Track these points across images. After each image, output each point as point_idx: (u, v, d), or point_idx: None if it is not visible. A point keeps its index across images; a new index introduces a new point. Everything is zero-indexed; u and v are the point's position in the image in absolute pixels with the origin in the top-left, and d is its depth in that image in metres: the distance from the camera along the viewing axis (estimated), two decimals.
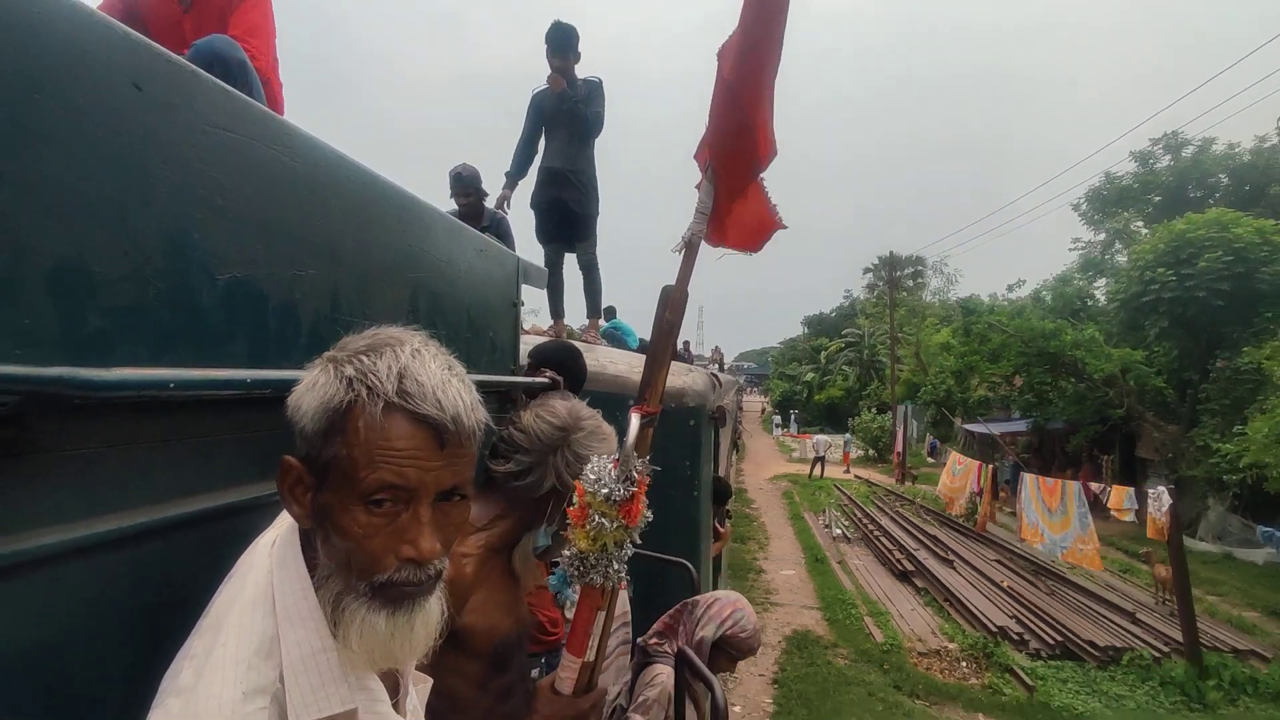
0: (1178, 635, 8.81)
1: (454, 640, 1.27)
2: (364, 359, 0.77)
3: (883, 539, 14.37)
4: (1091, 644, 9.00)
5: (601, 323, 5.83)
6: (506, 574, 1.49)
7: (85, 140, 0.75)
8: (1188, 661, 8.25)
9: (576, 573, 1.28)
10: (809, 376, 44.78)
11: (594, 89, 4.80)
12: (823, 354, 43.86)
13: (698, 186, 1.39)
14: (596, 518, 1.23)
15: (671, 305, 1.36)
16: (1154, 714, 7.47)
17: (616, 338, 8.69)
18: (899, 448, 24.24)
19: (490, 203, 4.96)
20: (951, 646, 8.98)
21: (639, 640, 2.25)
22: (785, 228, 1.46)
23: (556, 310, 5.22)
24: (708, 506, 4.48)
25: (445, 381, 0.79)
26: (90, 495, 0.77)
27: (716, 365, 20.11)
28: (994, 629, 9.41)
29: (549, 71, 4.66)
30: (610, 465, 1.27)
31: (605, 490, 1.22)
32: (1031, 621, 9.78)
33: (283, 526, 0.85)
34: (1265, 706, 7.63)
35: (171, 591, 0.87)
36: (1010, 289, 22.91)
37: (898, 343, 26.70)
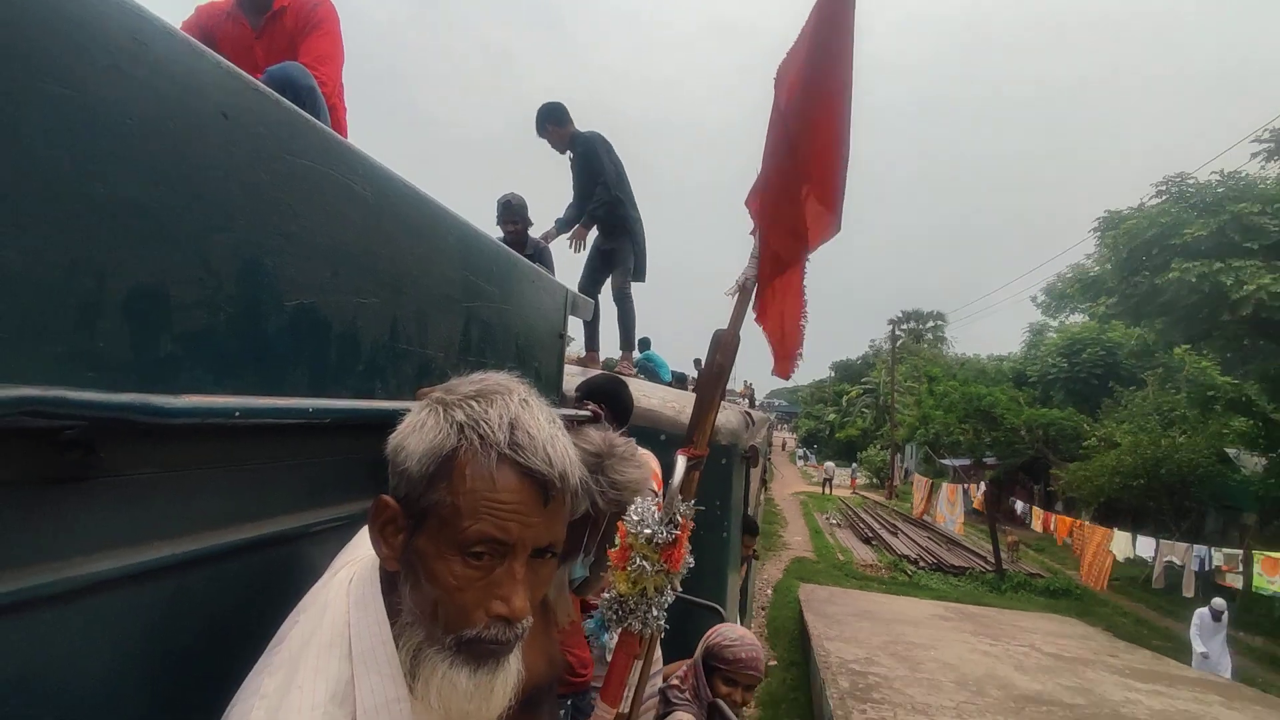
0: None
1: None
2: (474, 405, 0.76)
3: (860, 524, 22.70)
4: (952, 566, 16.90)
5: (635, 354, 5.85)
6: (542, 611, 1.46)
7: (169, 165, 0.75)
8: (996, 574, 15.78)
9: (615, 617, 1.24)
10: (831, 417, 51.90)
11: (587, 146, 5.02)
12: (844, 398, 50.38)
13: (752, 233, 1.38)
14: (638, 560, 1.20)
15: (722, 348, 1.33)
16: (972, 592, 14.33)
17: (649, 370, 8.67)
18: (892, 475, 34.48)
19: (534, 232, 5.09)
20: (879, 563, 16.97)
21: (661, 686, 2.19)
22: (800, 356, 1.45)
23: (592, 344, 5.29)
24: (737, 548, 4.39)
25: (553, 436, 0.78)
26: (150, 520, 0.76)
27: (747, 401, 20.14)
28: (900, 555, 17.70)
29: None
30: (654, 507, 1.24)
31: (648, 532, 1.19)
32: (924, 555, 17.81)
33: (361, 564, 0.83)
34: (1025, 593, 14.80)
35: (227, 618, 0.86)
36: (1000, 360, 30.80)
37: (902, 393, 33.66)
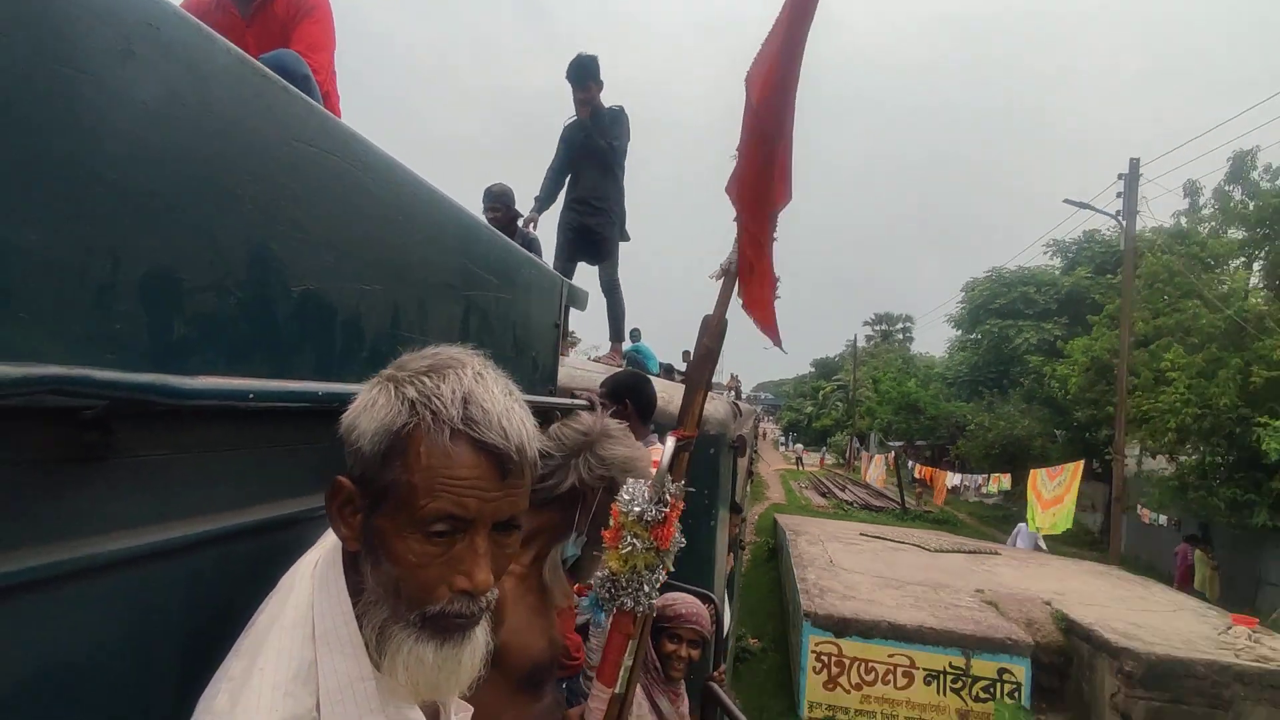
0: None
1: (490, 659, 1.26)
2: (426, 380, 0.74)
3: (820, 485, 30.90)
4: (874, 506, 23.66)
5: (625, 345, 5.86)
6: (540, 591, 1.48)
7: (182, 149, 0.76)
8: (901, 510, 21.70)
9: (608, 595, 1.26)
10: (809, 409, 60.42)
11: (616, 116, 4.98)
12: (820, 393, 58.39)
13: (735, 220, 1.39)
14: (629, 538, 1.22)
15: (710, 332, 1.35)
16: (881, 519, 19.03)
17: (638, 361, 8.67)
18: (849, 454, 44.49)
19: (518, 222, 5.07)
20: (828, 504, 24.03)
21: None
22: (780, 347, 1.48)
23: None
24: (724, 536, 4.43)
25: (509, 409, 0.76)
26: (163, 501, 0.77)
27: (733, 393, 20.37)
28: (845, 501, 24.96)
29: (575, 104, 4.88)
30: (644, 487, 1.26)
31: (638, 509, 1.21)
32: (857, 500, 25.30)
33: (325, 546, 0.83)
34: (918, 521, 19.22)
35: (237, 599, 0.87)
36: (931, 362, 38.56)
37: (869, 388, 40.05)
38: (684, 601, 2.26)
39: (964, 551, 10.82)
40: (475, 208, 4.92)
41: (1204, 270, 14.35)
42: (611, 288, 5.30)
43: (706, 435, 3.71)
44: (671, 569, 1.32)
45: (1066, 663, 6.83)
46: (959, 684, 6.26)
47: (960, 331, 30.20)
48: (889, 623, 6.46)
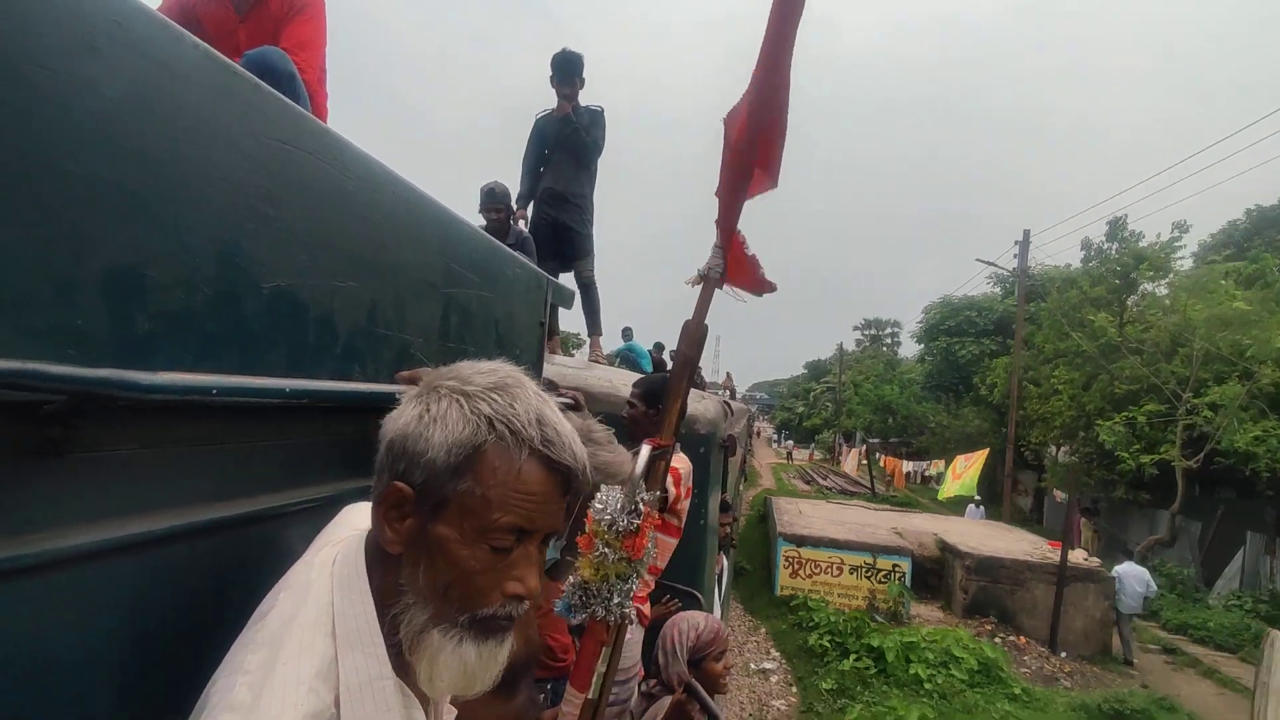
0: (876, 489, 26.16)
1: None
2: (498, 399, 0.77)
3: (806, 475, 34.83)
4: (850, 491, 27.64)
5: (603, 340, 5.87)
6: None
7: (149, 145, 0.76)
8: (870, 494, 26.20)
9: (579, 602, 1.26)
10: (800, 409, 66.52)
11: (595, 116, 4.99)
12: (811, 394, 63.61)
13: (717, 222, 1.40)
14: (601, 546, 1.22)
15: (688, 339, 1.35)
16: (854, 501, 21.02)
17: (631, 360, 8.68)
18: (834, 450, 47.86)
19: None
20: (810, 490, 27.95)
21: (643, 688, 2.22)
22: (775, 289, 1.47)
23: (552, 327, 5.31)
24: (714, 535, 4.44)
25: (572, 431, 0.81)
26: (126, 496, 0.78)
27: (727, 393, 20.49)
28: (825, 486, 29.36)
29: (556, 96, 4.86)
30: (618, 495, 1.25)
31: (608, 518, 1.20)
32: (835, 487, 29.61)
33: (344, 544, 0.84)
34: (886, 503, 21.39)
35: (203, 596, 0.87)
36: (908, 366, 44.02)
37: (852, 390, 45.46)
38: (706, 623, 2.26)
39: (894, 510, 17.15)
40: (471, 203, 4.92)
41: (1087, 306, 18.71)
42: (588, 284, 5.32)
43: (697, 434, 3.72)
44: (645, 578, 1.32)
45: (940, 566, 12.08)
46: (869, 574, 10.93)
47: (922, 346, 35.81)
48: (830, 539, 11.29)
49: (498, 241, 1.74)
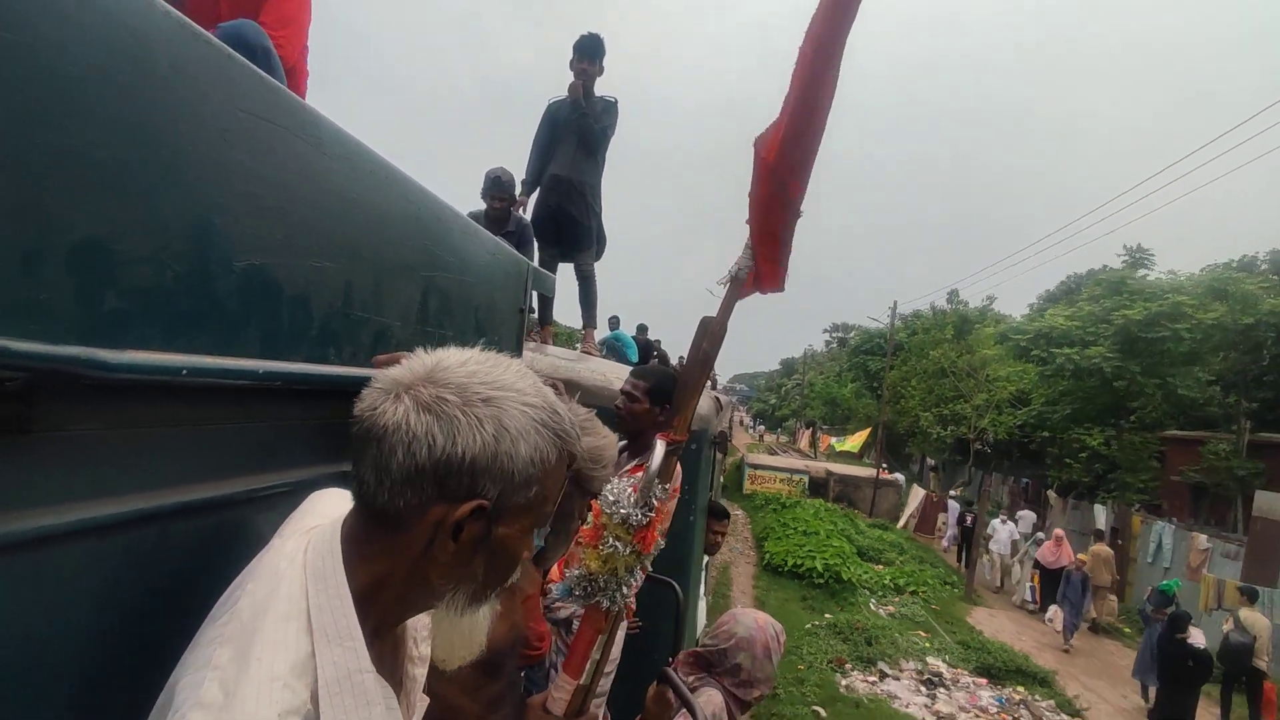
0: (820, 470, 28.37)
1: None
2: (559, 411, 0.84)
3: (770, 449, 43.98)
4: (815, 478, 26.43)
5: (596, 332, 5.82)
6: None
7: (119, 116, 0.74)
8: (811, 455, 41.48)
9: (583, 593, 1.25)
10: (772, 401, 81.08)
11: (609, 106, 4.86)
12: (782, 389, 76.85)
13: (748, 222, 1.38)
14: (611, 540, 1.21)
15: (710, 337, 1.34)
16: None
17: (617, 349, 8.66)
18: (796, 434, 59.15)
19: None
20: (779, 461, 29.33)
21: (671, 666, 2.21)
22: (781, 290, 1.48)
23: (545, 317, 5.24)
24: (701, 529, 4.46)
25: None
26: (92, 477, 0.76)
27: (710, 384, 21.02)
28: (788, 470, 26.26)
29: (571, 77, 4.71)
30: (629, 488, 1.25)
31: (623, 513, 1.20)
32: (789, 453, 41.27)
33: (315, 534, 0.82)
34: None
35: (167, 580, 0.86)
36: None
37: (810, 386, 56.86)
38: (756, 662, 2.14)
39: (811, 460, 30.54)
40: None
41: (932, 345, 27.96)
42: (587, 276, 5.24)
43: (690, 431, 3.71)
44: (650, 570, 1.32)
45: (825, 480, 25.26)
46: (786, 481, 23.55)
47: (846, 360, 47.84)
48: (770, 465, 25.39)
49: (475, 224, 1.72)
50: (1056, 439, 22.65)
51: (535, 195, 5.06)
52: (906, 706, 7.73)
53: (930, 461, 32.68)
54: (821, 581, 12.38)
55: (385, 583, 0.79)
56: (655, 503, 1.19)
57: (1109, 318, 20.92)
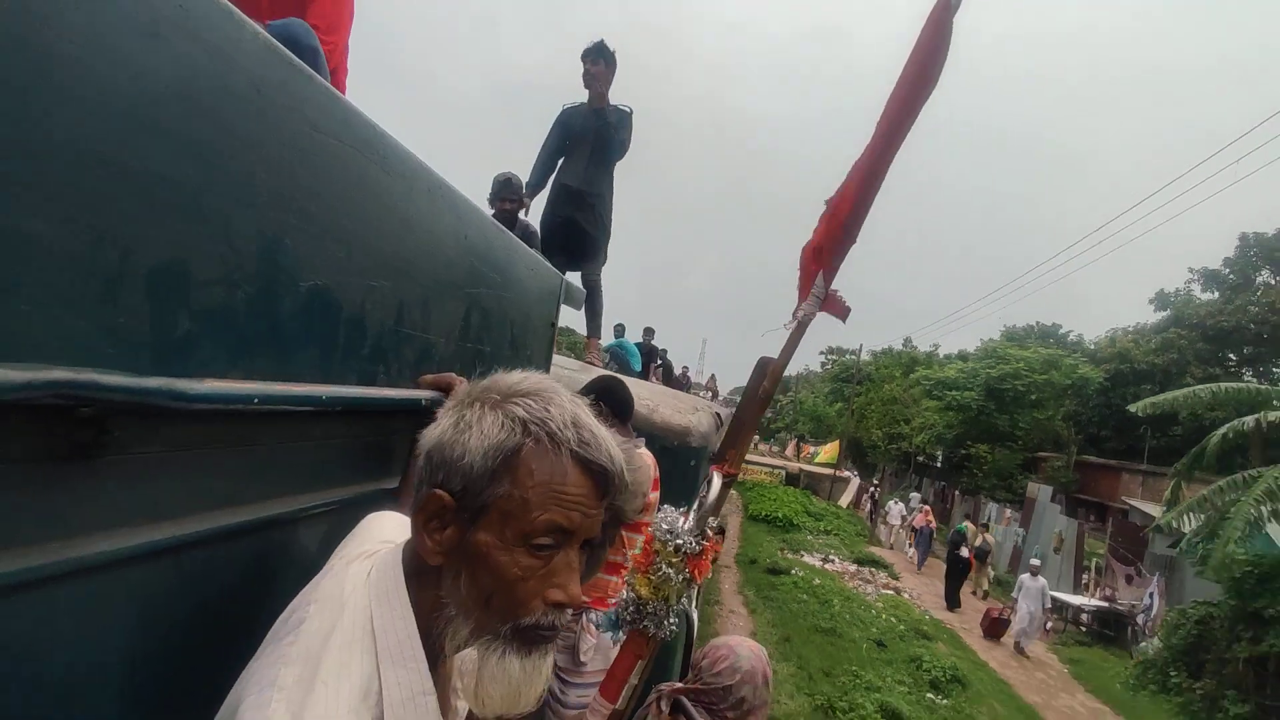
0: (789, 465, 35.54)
1: None
2: (533, 403, 0.77)
3: (757, 450, 44.42)
4: (790, 472, 32.53)
5: (601, 342, 5.79)
6: None
7: (203, 139, 0.73)
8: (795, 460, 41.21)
9: (630, 618, 1.25)
10: (768, 416, 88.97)
11: (624, 117, 4.76)
12: (778, 405, 77.99)
13: (807, 266, 1.40)
14: (663, 567, 1.21)
15: (771, 376, 1.36)
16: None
17: (621, 358, 8.63)
18: (786, 445, 59.33)
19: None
20: (764, 459, 37.40)
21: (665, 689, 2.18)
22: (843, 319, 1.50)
23: (592, 328, 5.25)
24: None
25: (608, 435, 0.81)
26: (156, 498, 0.74)
27: (711, 394, 20.76)
28: (771, 465, 33.36)
29: (582, 87, 4.63)
30: (681, 518, 1.26)
31: (679, 542, 1.20)
32: (781, 462, 36.55)
33: (380, 558, 0.81)
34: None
35: (223, 598, 0.84)
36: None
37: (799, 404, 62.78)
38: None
39: (791, 462, 34.66)
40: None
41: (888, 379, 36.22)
42: (593, 286, 5.20)
43: (689, 447, 3.69)
44: (695, 598, 1.32)
45: (798, 475, 30.03)
46: (769, 473, 29.61)
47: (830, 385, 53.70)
48: (760, 462, 31.65)
49: (518, 240, 1.71)
50: (959, 454, 31.99)
51: (545, 205, 5.00)
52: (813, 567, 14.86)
53: (886, 469, 40.97)
54: (781, 523, 20.30)
55: (434, 604, 0.78)
56: (710, 532, 1.19)
57: (978, 373, 31.10)
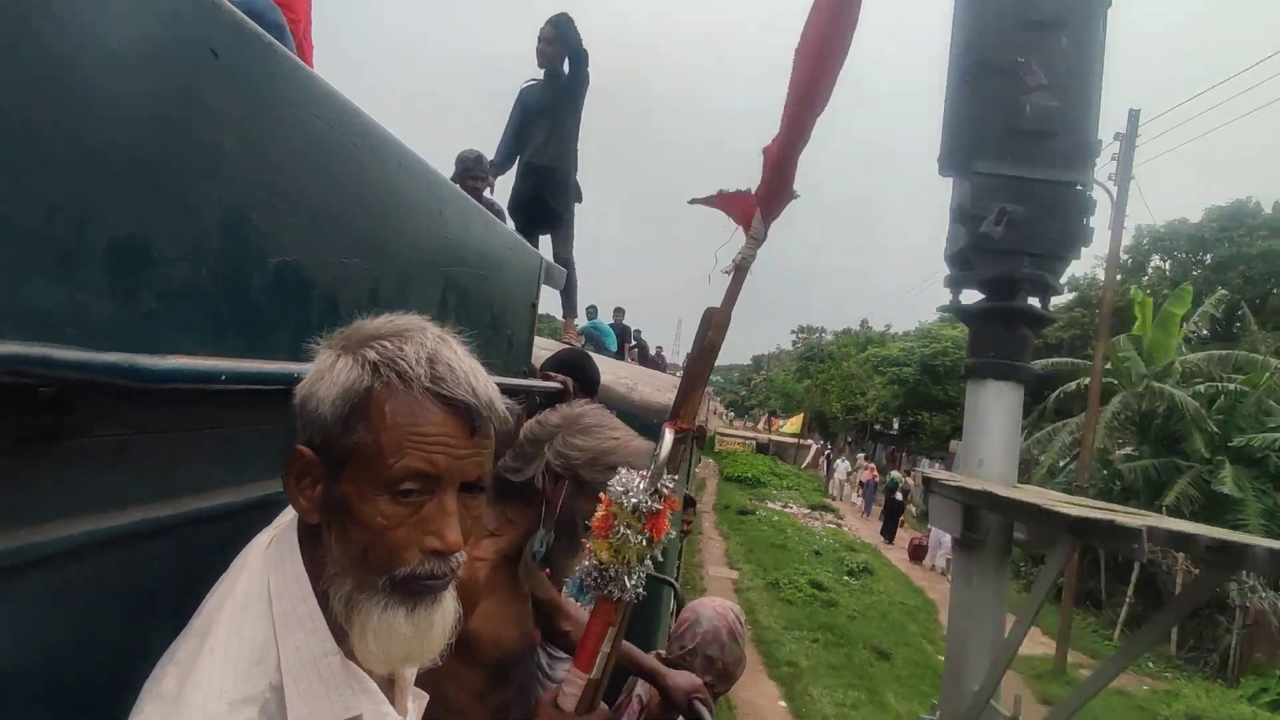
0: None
1: (458, 646, 1.23)
2: (387, 344, 0.72)
3: (733, 426, 61.14)
4: (760, 443, 46.99)
5: (578, 322, 5.79)
6: (515, 584, 1.45)
7: (160, 107, 0.69)
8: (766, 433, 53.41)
9: (594, 584, 1.24)
10: (743, 393, 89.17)
11: (578, 59, 4.73)
12: (751, 382, 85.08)
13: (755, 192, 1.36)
14: (621, 529, 1.20)
15: (714, 326, 1.32)
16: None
17: (595, 338, 8.60)
18: (758, 420, 65.71)
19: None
20: (738, 431, 52.94)
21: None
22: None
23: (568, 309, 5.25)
24: (678, 524, 4.46)
25: (474, 368, 0.75)
26: (119, 484, 0.72)
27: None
28: (743, 437, 48.20)
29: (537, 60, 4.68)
30: (638, 478, 1.23)
31: (634, 501, 1.18)
32: (752, 434, 52.19)
33: (280, 525, 0.80)
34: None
35: (193, 588, 0.81)
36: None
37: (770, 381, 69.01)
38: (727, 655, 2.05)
39: (761, 434, 48.94)
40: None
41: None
42: (565, 264, 5.20)
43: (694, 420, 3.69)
44: (660, 559, 1.31)
45: (767, 445, 42.91)
46: (742, 444, 41.26)
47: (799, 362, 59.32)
48: (733, 434, 46.39)
49: (497, 219, 1.68)
50: (909, 421, 36.54)
51: (514, 185, 5.04)
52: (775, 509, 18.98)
53: (847, 437, 47.09)
54: (750, 481, 25.55)
55: (324, 565, 0.75)
56: (665, 491, 1.17)
57: (915, 351, 35.39)
